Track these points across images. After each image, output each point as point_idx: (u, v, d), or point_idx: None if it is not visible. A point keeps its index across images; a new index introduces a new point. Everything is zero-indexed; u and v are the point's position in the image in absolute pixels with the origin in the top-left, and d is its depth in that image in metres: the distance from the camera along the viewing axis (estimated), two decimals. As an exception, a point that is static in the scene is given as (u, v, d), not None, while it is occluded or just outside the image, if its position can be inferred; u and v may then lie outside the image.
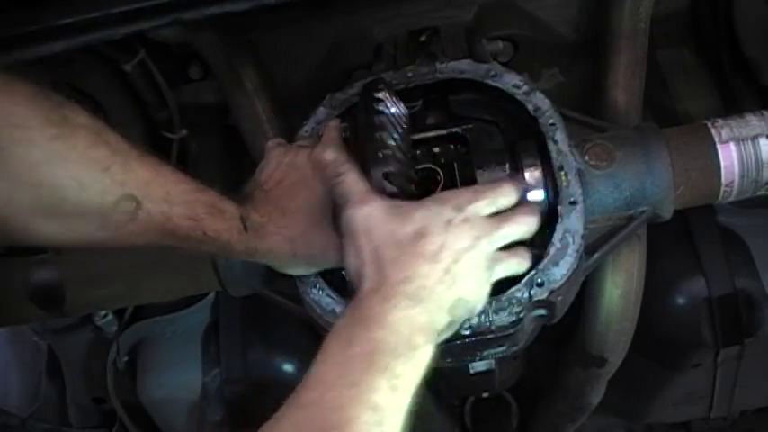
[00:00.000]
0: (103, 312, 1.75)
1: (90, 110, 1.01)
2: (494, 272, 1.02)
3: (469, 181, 1.13)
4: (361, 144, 1.07)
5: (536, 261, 1.11)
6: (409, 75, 1.27)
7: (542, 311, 1.12)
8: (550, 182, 1.15)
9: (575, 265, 1.11)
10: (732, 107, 1.56)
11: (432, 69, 1.27)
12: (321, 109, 1.27)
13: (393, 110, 1.10)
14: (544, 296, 1.10)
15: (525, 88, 1.22)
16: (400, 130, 1.09)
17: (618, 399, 1.74)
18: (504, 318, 1.09)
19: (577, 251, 1.12)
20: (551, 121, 1.19)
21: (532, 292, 1.10)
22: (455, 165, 1.15)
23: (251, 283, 1.27)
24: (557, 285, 1.10)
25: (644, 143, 1.22)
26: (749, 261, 1.63)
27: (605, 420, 2.08)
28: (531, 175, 1.15)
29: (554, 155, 1.16)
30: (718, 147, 1.21)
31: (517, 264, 1.06)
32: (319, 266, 1.15)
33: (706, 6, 1.56)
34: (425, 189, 1.13)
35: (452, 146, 1.18)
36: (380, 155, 1.04)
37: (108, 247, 1.07)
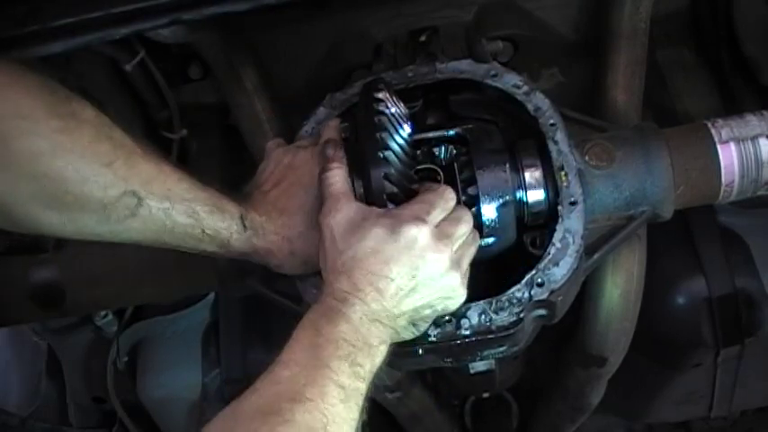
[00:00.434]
0: (103, 312, 1.75)
1: (96, 104, 1.02)
2: (462, 267, 1.06)
3: (470, 181, 1.13)
4: (361, 144, 1.07)
5: (536, 261, 1.12)
6: (409, 75, 1.27)
7: (542, 311, 1.12)
8: (550, 182, 1.15)
9: (575, 266, 1.11)
10: (732, 107, 1.56)
11: (432, 69, 1.27)
12: (321, 109, 1.27)
13: (393, 110, 1.10)
14: (544, 296, 1.10)
15: (525, 88, 1.22)
16: (400, 131, 1.10)
17: (618, 398, 1.74)
18: (504, 318, 1.09)
19: (577, 251, 1.12)
20: (551, 121, 1.19)
21: (533, 293, 1.10)
22: (455, 165, 1.15)
23: (250, 283, 1.27)
24: (557, 285, 1.10)
25: (644, 143, 1.22)
26: (749, 261, 1.63)
27: (605, 420, 2.07)
28: (532, 175, 1.15)
29: (554, 155, 1.16)
30: (719, 147, 1.21)
31: (475, 247, 1.09)
32: (317, 266, 1.15)
33: (706, 6, 1.56)
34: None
35: (452, 146, 1.18)
36: (380, 155, 1.04)
37: (107, 241, 1.08)
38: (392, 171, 1.05)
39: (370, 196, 1.06)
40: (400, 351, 1.07)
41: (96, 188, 1.00)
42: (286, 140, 1.28)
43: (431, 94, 1.27)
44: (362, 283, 0.99)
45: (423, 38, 1.37)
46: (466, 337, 1.09)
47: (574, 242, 1.12)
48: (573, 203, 1.14)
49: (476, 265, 1.18)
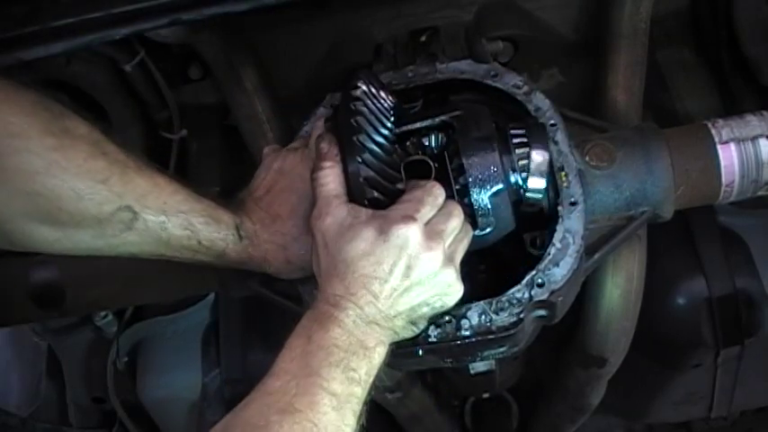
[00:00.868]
0: (103, 312, 1.75)
1: (89, 120, 1.01)
2: (455, 261, 1.05)
3: (461, 170, 1.11)
4: (340, 149, 1.06)
5: (536, 261, 1.11)
6: (409, 75, 1.26)
7: (543, 312, 1.12)
8: (551, 182, 1.15)
9: (575, 266, 1.11)
10: (732, 107, 1.56)
11: (432, 69, 1.26)
12: (321, 109, 1.27)
13: (374, 107, 1.09)
14: (545, 297, 1.10)
15: (525, 88, 1.22)
16: (381, 129, 1.08)
17: (618, 399, 1.74)
18: (504, 318, 1.09)
19: (578, 252, 1.12)
20: (552, 121, 1.19)
21: (533, 293, 1.10)
22: (446, 153, 1.13)
23: (250, 284, 1.27)
24: (557, 286, 1.10)
25: (644, 143, 1.21)
26: (749, 261, 1.63)
27: (605, 420, 2.07)
28: (523, 154, 1.14)
29: (554, 155, 1.16)
30: (719, 147, 1.21)
31: (468, 240, 1.08)
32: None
33: (706, 6, 1.56)
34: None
35: (442, 134, 1.15)
36: (359, 159, 1.03)
37: (103, 255, 1.08)
38: (371, 175, 1.04)
39: (349, 200, 1.04)
40: (400, 351, 1.06)
41: (91, 205, 1.00)
42: (286, 141, 1.28)
43: (431, 94, 1.27)
44: (355, 286, 0.98)
45: (423, 38, 1.36)
46: (466, 337, 1.08)
47: (574, 242, 1.12)
48: (573, 204, 1.14)
49: (476, 264, 1.18)
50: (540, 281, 1.10)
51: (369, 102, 1.08)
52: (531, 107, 1.20)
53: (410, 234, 0.99)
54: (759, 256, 1.63)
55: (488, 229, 1.12)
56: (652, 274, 1.41)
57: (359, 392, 0.93)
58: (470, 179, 1.09)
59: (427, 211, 1.03)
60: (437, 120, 1.13)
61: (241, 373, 1.68)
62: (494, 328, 1.08)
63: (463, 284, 1.06)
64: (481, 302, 1.09)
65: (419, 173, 1.10)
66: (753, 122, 1.22)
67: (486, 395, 1.97)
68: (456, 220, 1.05)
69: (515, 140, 1.13)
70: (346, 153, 1.04)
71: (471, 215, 1.09)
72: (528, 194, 1.12)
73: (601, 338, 1.46)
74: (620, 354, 1.50)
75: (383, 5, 1.48)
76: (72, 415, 1.96)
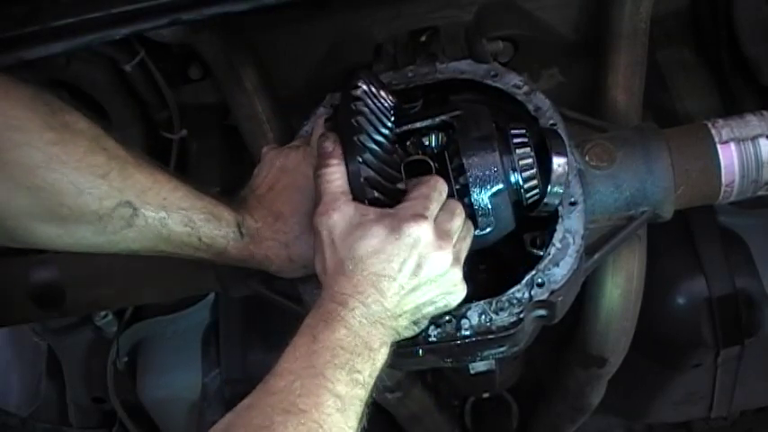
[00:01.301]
0: (103, 312, 1.75)
1: (89, 116, 1.01)
2: (460, 259, 1.05)
3: (461, 170, 1.10)
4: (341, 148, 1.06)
5: (536, 261, 1.11)
6: (409, 75, 1.26)
7: (543, 312, 1.12)
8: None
9: (575, 266, 1.11)
10: (732, 107, 1.56)
11: (432, 69, 1.26)
12: (321, 109, 1.27)
13: (374, 107, 1.09)
14: (544, 296, 1.10)
15: (526, 88, 1.22)
16: (381, 128, 1.08)
17: (618, 399, 1.74)
18: (504, 318, 1.09)
19: (578, 251, 1.12)
20: (551, 121, 1.19)
21: (533, 293, 1.10)
22: (446, 153, 1.12)
23: (250, 284, 1.27)
24: (557, 286, 1.10)
25: (644, 143, 1.21)
26: (749, 261, 1.63)
27: (605, 420, 2.07)
28: (523, 154, 1.14)
29: None
30: (719, 147, 1.21)
31: (470, 238, 1.07)
32: None
33: (706, 6, 1.56)
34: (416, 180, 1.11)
35: (442, 133, 1.15)
36: (359, 159, 1.03)
37: (104, 252, 1.07)
38: (371, 176, 1.04)
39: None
40: (400, 351, 1.06)
41: (92, 200, 1.00)
42: (286, 141, 1.28)
43: (431, 94, 1.27)
44: (363, 284, 0.97)
45: (423, 38, 1.36)
46: (466, 337, 1.09)
47: (574, 242, 1.12)
48: (573, 204, 1.14)
49: (476, 264, 1.18)
50: (540, 281, 1.10)
51: (369, 102, 1.08)
52: (531, 107, 1.20)
53: (422, 233, 0.99)
54: (759, 256, 1.63)
55: (488, 229, 1.12)
56: (652, 274, 1.41)
57: (362, 394, 0.92)
58: (471, 179, 1.09)
59: (435, 208, 1.03)
60: (437, 120, 1.13)
61: (241, 373, 1.68)
62: (494, 327, 1.08)
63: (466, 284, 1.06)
64: (481, 302, 1.09)
65: (419, 173, 1.10)
66: (753, 122, 1.22)
67: (486, 395, 1.97)
68: (459, 219, 1.05)
69: (516, 140, 1.13)
70: (347, 153, 1.04)
71: (471, 215, 1.09)
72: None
73: (601, 338, 1.46)
74: (620, 354, 1.50)
75: (383, 5, 1.48)
76: (72, 415, 1.96)
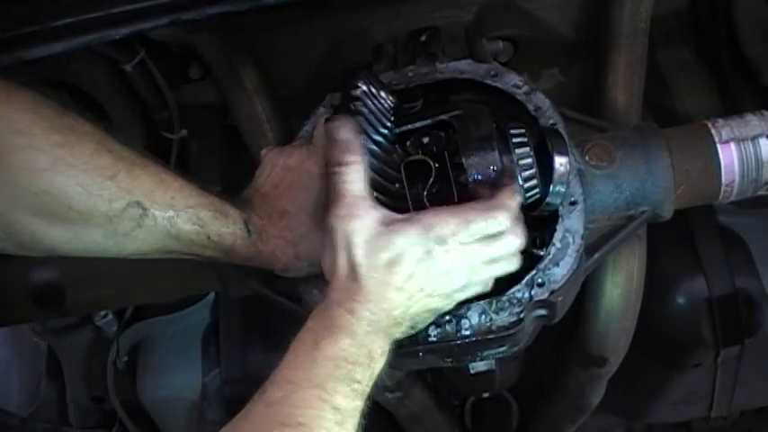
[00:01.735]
0: (103, 312, 1.75)
1: (92, 118, 1.01)
2: (473, 286, 1.04)
3: (460, 169, 1.11)
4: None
5: (536, 261, 1.11)
6: (409, 75, 1.26)
7: (543, 312, 1.12)
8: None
9: (575, 266, 1.11)
10: (732, 107, 1.56)
11: (432, 69, 1.26)
12: (321, 109, 1.27)
13: (373, 107, 1.09)
14: (544, 296, 1.10)
15: (525, 88, 1.22)
16: (381, 129, 1.08)
17: (618, 398, 1.74)
18: (504, 318, 1.09)
19: (578, 251, 1.12)
20: (551, 121, 1.19)
21: (533, 293, 1.10)
22: (446, 153, 1.12)
23: (250, 284, 1.27)
24: (557, 286, 1.10)
25: (644, 143, 1.22)
26: (749, 261, 1.63)
27: (605, 420, 2.07)
28: (523, 153, 1.13)
29: None
30: (719, 147, 1.21)
31: (502, 270, 1.06)
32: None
33: (706, 6, 1.56)
34: (416, 181, 1.11)
35: (442, 133, 1.15)
36: None
37: (112, 256, 1.07)
38: (371, 174, 1.03)
39: None
40: (400, 351, 1.06)
41: (101, 202, 0.99)
42: (286, 141, 1.28)
43: (431, 94, 1.27)
44: (375, 293, 0.96)
45: (423, 38, 1.36)
46: (466, 337, 1.09)
47: (574, 242, 1.12)
48: (573, 203, 1.14)
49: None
50: (540, 280, 1.10)
51: (368, 102, 1.08)
52: (530, 107, 1.20)
53: (440, 252, 0.98)
54: (759, 256, 1.63)
55: None
56: (652, 273, 1.41)
57: (361, 406, 0.91)
58: (470, 179, 1.09)
59: (467, 237, 1.00)
60: (437, 119, 1.13)
61: (241, 373, 1.68)
62: (494, 327, 1.08)
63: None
64: (481, 302, 1.09)
65: (419, 172, 1.10)
66: (753, 122, 1.22)
67: (486, 395, 1.97)
68: (503, 247, 1.02)
69: (515, 140, 1.13)
70: None
71: None
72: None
73: (601, 338, 1.46)
74: (620, 353, 1.50)
75: (383, 5, 1.48)
76: (72, 415, 1.96)
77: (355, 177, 1.00)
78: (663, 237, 1.43)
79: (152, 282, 1.44)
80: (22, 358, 2.04)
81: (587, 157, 1.20)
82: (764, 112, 1.23)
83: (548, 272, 1.10)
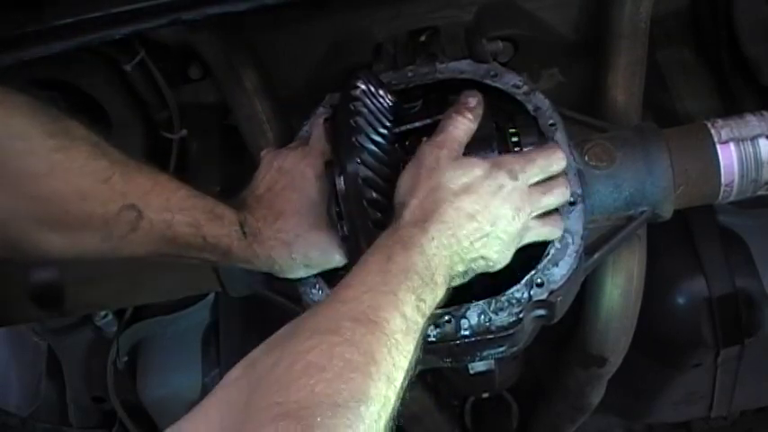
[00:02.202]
0: (103, 312, 1.75)
1: (85, 122, 1.01)
2: (524, 238, 1.08)
3: None
4: (337, 150, 1.06)
5: (536, 261, 1.11)
6: (409, 75, 1.26)
7: (542, 312, 1.12)
8: None
9: (574, 266, 1.11)
10: (732, 107, 1.56)
11: (432, 69, 1.26)
12: (321, 109, 1.27)
13: (373, 106, 1.09)
14: (544, 296, 1.10)
15: (525, 88, 1.22)
16: (380, 128, 1.08)
17: (618, 398, 1.74)
18: (503, 318, 1.09)
19: (577, 251, 1.12)
20: (551, 121, 1.19)
21: (532, 293, 1.10)
22: None
23: (250, 284, 1.27)
24: (556, 286, 1.10)
25: (644, 143, 1.22)
26: (749, 261, 1.62)
27: (605, 420, 2.07)
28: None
29: None
30: (718, 147, 1.21)
31: (549, 232, 1.10)
32: (319, 268, 1.15)
33: (706, 6, 1.56)
34: None
35: None
36: (358, 160, 1.03)
37: (111, 259, 1.07)
38: (370, 174, 1.04)
39: (347, 203, 1.04)
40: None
41: (96, 205, 1.00)
42: (286, 141, 1.28)
43: (431, 94, 1.27)
44: (448, 214, 0.98)
45: (423, 38, 1.37)
46: (465, 337, 1.08)
47: (573, 242, 1.12)
48: (572, 204, 1.14)
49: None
50: (539, 281, 1.10)
51: (368, 101, 1.08)
52: (530, 107, 1.20)
53: (508, 188, 1.03)
54: (759, 256, 1.63)
55: None
56: (652, 273, 1.41)
57: (421, 324, 0.90)
58: None
59: (534, 174, 1.07)
60: (437, 119, 1.13)
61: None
62: (493, 327, 1.08)
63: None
64: (480, 302, 1.09)
65: None
66: (752, 122, 1.22)
67: (485, 395, 1.97)
68: (549, 200, 1.09)
69: (515, 140, 1.13)
70: (345, 154, 1.04)
71: None
72: None
73: (601, 338, 1.46)
74: (620, 353, 1.50)
75: (383, 5, 1.48)
76: (72, 415, 1.96)
77: (463, 128, 1.08)
78: (663, 237, 1.43)
79: (152, 282, 1.44)
80: (22, 358, 2.04)
81: (587, 158, 1.20)
82: (764, 112, 1.23)
83: (547, 272, 1.10)
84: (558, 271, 1.11)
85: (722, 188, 1.22)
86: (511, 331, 1.09)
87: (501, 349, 1.13)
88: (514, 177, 1.04)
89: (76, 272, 1.42)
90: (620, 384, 1.62)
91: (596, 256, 1.20)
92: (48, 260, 1.05)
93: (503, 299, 1.09)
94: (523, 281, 1.10)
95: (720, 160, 1.21)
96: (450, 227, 0.98)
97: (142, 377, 1.75)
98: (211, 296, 1.75)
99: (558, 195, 1.10)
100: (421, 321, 0.90)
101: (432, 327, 1.08)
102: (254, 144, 1.45)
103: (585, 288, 1.37)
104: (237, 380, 0.80)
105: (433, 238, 0.96)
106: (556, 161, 1.10)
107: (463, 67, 1.26)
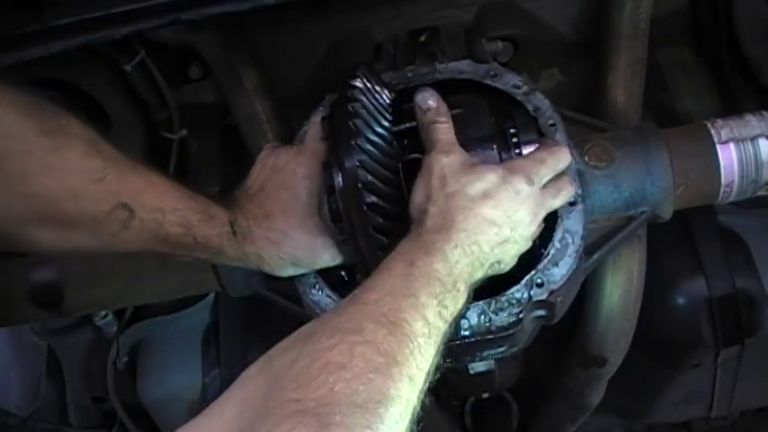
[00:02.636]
0: (103, 312, 1.75)
1: (82, 119, 1.01)
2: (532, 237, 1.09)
3: None
4: (335, 150, 1.06)
5: (535, 262, 1.11)
6: (409, 75, 1.26)
7: (542, 312, 1.12)
8: None
9: (574, 266, 1.11)
10: (732, 107, 1.56)
11: (431, 69, 1.26)
12: (321, 109, 1.27)
13: (371, 105, 1.08)
14: (544, 297, 1.10)
15: (525, 88, 1.22)
16: (378, 127, 1.08)
17: (618, 398, 1.74)
18: (503, 318, 1.09)
19: (577, 252, 1.12)
20: (551, 121, 1.19)
21: (532, 293, 1.10)
22: None
23: (250, 284, 1.27)
24: (556, 286, 1.10)
25: (644, 143, 1.21)
26: (749, 261, 1.62)
27: (605, 420, 2.07)
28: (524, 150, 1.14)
29: None
30: (718, 147, 1.21)
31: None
32: (307, 267, 1.15)
33: (706, 6, 1.56)
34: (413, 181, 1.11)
35: None
36: (356, 162, 1.03)
37: (101, 254, 1.08)
38: (368, 177, 1.04)
39: (346, 203, 1.04)
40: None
41: (88, 204, 1.00)
42: (286, 141, 1.28)
43: (430, 94, 1.26)
44: (469, 221, 0.99)
45: (423, 38, 1.36)
46: (465, 337, 1.08)
47: (573, 242, 1.12)
48: (572, 204, 1.14)
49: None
50: (539, 281, 1.10)
51: (366, 100, 1.08)
52: (530, 107, 1.20)
53: (526, 193, 1.04)
54: (759, 256, 1.63)
55: None
56: (652, 273, 1.41)
57: (443, 329, 0.91)
58: None
59: (546, 174, 1.09)
60: None
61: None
62: (493, 328, 1.08)
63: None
64: (480, 302, 1.09)
65: (417, 172, 1.10)
66: (752, 122, 1.22)
67: (485, 395, 1.96)
68: (561, 200, 1.11)
69: (515, 140, 1.13)
70: (344, 155, 1.04)
71: None
72: None
73: (601, 338, 1.46)
74: (620, 353, 1.50)
75: (383, 5, 1.48)
76: (72, 415, 1.96)
77: (446, 131, 1.07)
78: (663, 237, 1.43)
79: (152, 282, 1.44)
80: (22, 358, 2.04)
81: (587, 158, 1.20)
82: (764, 112, 1.23)
83: (547, 272, 1.10)
84: (557, 271, 1.11)
85: (722, 188, 1.22)
86: (511, 331, 1.09)
87: (501, 349, 1.13)
88: (531, 182, 1.05)
89: (76, 272, 1.42)
90: (620, 384, 1.62)
91: (596, 256, 1.20)
92: (40, 253, 1.05)
93: (503, 299, 1.09)
94: (523, 281, 1.10)
95: (720, 160, 1.21)
96: (472, 234, 0.99)
97: (142, 377, 1.75)
98: (211, 296, 1.75)
99: (565, 196, 1.11)
100: (442, 327, 0.90)
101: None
102: (254, 144, 1.45)
103: (585, 288, 1.37)
104: (254, 377, 0.80)
105: (456, 246, 0.97)
106: (563, 159, 1.12)
107: (463, 68, 1.26)
